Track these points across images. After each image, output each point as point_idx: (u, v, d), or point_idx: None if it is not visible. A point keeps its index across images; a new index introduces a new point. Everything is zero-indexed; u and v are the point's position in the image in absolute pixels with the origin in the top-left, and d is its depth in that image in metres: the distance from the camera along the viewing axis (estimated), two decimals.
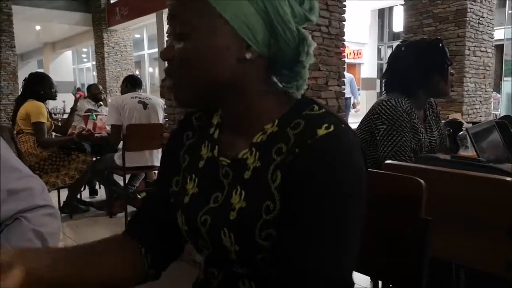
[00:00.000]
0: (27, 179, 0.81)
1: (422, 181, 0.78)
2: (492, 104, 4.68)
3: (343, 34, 2.74)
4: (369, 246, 0.84)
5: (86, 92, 4.69)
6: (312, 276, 0.52)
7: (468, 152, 1.43)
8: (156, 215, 0.71)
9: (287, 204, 0.55)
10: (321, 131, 0.54)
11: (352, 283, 0.59)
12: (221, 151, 0.65)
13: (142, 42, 11.82)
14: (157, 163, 3.36)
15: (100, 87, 4.65)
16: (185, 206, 0.66)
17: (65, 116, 4.93)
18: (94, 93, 4.43)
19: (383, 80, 1.65)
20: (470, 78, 4.29)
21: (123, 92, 3.52)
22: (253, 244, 0.57)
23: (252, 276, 0.61)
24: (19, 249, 0.61)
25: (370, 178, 0.88)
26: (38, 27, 11.83)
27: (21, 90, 3.36)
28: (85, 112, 4.04)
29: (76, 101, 3.91)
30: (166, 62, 0.61)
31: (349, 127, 0.58)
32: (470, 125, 1.61)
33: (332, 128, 0.54)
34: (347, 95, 6.15)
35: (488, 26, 4.48)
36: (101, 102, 4.48)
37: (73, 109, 3.76)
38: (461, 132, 1.50)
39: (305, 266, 0.52)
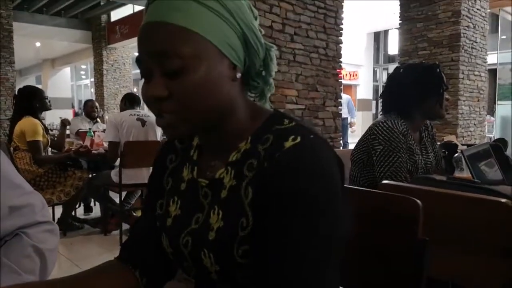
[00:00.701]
0: (28, 195, 0.81)
1: (419, 201, 0.78)
2: (486, 127, 4.73)
3: (340, 56, 2.79)
4: (366, 266, 0.85)
5: (83, 108, 4.64)
6: None
7: (463, 174, 1.45)
8: (147, 238, 0.71)
9: (259, 219, 0.56)
10: (288, 143, 0.55)
11: None
12: (200, 172, 0.65)
13: None
14: None
15: (96, 104, 4.58)
16: (168, 228, 0.66)
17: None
18: (88, 111, 4.36)
19: (381, 101, 1.68)
20: (464, 101, 4.36)
21: (121, 110, 3.54)
22: (232, 263, 0.57)
23: None
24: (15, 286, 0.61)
25: (367, 198, 0.90)
26: (38, 44, 11.93)
27: (14, 106, 3.29)
28: (76, 131, 4.02)
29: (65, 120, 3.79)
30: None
31: (319, 138, 0.57)
32: (465, 147, 1.64)
33: (298, 139, 0.55)
34: (344, 116, 6.20)
35: (481, 51, 4.58)
36: (97, 119, 4.47)
37: (65, 124, 3.67)
38: (456, 154, 1.52)
39: (275, 281, 0.52)
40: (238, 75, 0.58)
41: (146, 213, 0.74)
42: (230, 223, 0.58)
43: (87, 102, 4.64)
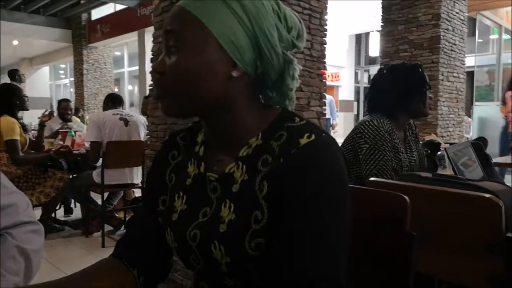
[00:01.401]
0: (12, 195, 0.79)
1: (406, 197, 0.80)
2: (464, 127, 4.86)
3: (324, 56, 2.81)
4: (354, 262, 0.85)
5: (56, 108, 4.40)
6: (300, 285, 0.52)
7: (446, 171, 1.49)
8: (145, 236, 0.71)
9: (274, 212, 0.57)
10: (303, 140, 0.57)
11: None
12: (207, 167, 0.65)
13: (122, 60, 11.76)
14: (136, 181, 3.31)
15: (71, 105, 4.37)
16: (173, 223, 0.66)
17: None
18: (61, 113, 4.20)
19: (364, 102, 1.70)
20: (444, 102, 4.46)
21: (104, 110, 3.48)
22: (243, 254, 0.58)
23: None
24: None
25: (355, 195, 0.91)
26: (15, 42, 11.62)
27: None
28: (50, 134, 3.90)
29: (43, 116, 3.69)
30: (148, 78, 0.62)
31: (330, 136, 0.60)
32: (448, 145, 1.68)
33: (313, 136, 0.57)
34: (327, 116, 6.26)
35: (460, 53, 4.69)
36: (71, 120, 4.30)
37: (42, 124, 3.57)
38: (440, 152, 1.55)
39: (291, 275, 0.53)
40: (235, 73, 0.58)
41: (144, 210, 0.74)
42: (243, 216, 0.59)
43: (61, 102, 4.38)
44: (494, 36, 10.28)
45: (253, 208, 0.58)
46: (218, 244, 0.59)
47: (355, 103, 14.06)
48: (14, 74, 5.79)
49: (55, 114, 4.25)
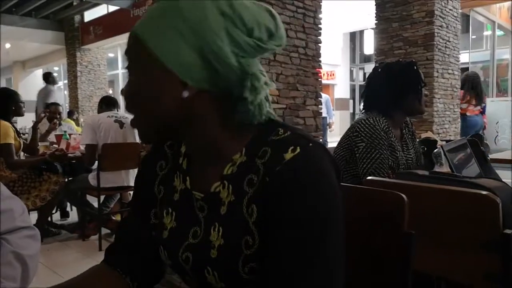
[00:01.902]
0: (7, 200, 0.79)
1: (403, 195, 0.79)
2: (460, 124, 4.88)
3: (319, 55, 2.82)
4: (352, 261, 0.85)
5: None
6: None
7: (443, 168, 1.49)
8: (135, 242, 0.69)
9: (265, 236, 0.54)
10: (288, 155, 0.53)
11: None
12: (193, 184, 0.63)
13: (116, 61, 11.72)
14: (133, 183, 3.28)
15: (60, 109, 4.26)
16: (165, 241, 0.65)
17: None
18: (50, 117, 4.06)
19: (362, 100, 1.70)
20: (439, 99, 4.48)
21: (99, 113, 3.46)
22: (238, 279, 0.56)
23: None
24: None
25: (352, 194, 0.90)
26: (8, 45, 11.54)
27: None
28: (42, 134, 3.86)
29: (39, 117, 3.67)
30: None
31: (318, 144, 0.56)
32: (444, 142, 1.68)
33: (298, 150, 0.53)
34: (323, 115, 6.26)
35: (454, 49, 4.71)
36: (60, 124, 4.21)
37: (35, 127, 3.52)
38: (436, 150, 1.56)
39: None
40: (186, 93, 0.55)
41: (133, 215, 0.72)
42: (232, 241, 0.57)
43: (50, 105, 4.29)
44: (487, 32, 10.35)
45: (243, 233, 0.56)
46: (211, 269, 0.58)
47: (351, 101, 14.09)
48: (48, 76, 5.94)
49: (45, 119, 4.15)
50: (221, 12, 0.54)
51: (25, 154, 3.44)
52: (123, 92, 0.60)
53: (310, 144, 0.55)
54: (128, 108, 0.60)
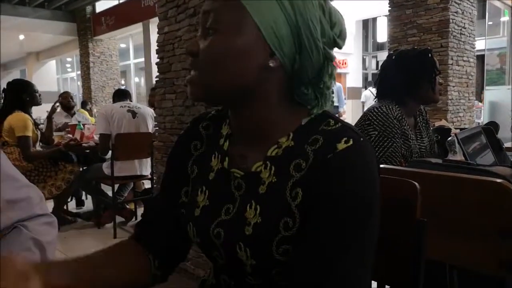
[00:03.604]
0: (25, 188, 0.81)
1: (416, 183, 0.79)
2: (474, 112, 4.79)
3: None
4: None
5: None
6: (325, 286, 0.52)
7: (457, 157, 1.47)
8: (162, 221, 0.70)
9: (308, 220, 0.55)
10: (341, 145, 0.55)
11: None
12: (232, 163, 0.64)
13: (128, 52, 11.76)
14: (146, 172, 3.33)
15: (71, 94, 4.50)
16: (196, 218, 0.65)
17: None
18: (63, 103, 4.28)
19: (375, 88, 1.68)
20: (454, 86, 4.40)
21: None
22: (270, 259, 0.57)
23: (265, 287, 0.61)
24: (33, 262, 0.60)
25: None
26: (22, 37, 11.66)
27: (3, 100, 3.22)
28: (60, 126, 3.94)
29: (53, 108, 3.76)
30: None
31: (367, 140, 0.58)
32: (458, 131, 1.66)
33: (351, 142, 0.55)
34: (335, 104, 6.22)
35: (469, 36, 4.61)
36: (74, 110, 4.37)
37: (50, 117, 3.61)
38: (450, 138, 1.54)
39: (328, 281, 0.52)
40: (272, 63, 0.56)
41: (163, 193, 0.73)
42: (270, 221, 0.58)
43: (61, 94, 4.53)
44: (504, 18, 10.06)
45: (282, 214, 0.57)
46: (244, 246, 0.58)
47: (363, 89, 13.94)
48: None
49: (58, 108, 4.24)
50: (318, 0, 0.58)
51: (41, 144, 3.51)
52: (191, 47, 0.58)
53: (361, 139, 0.57)
54: (196, 66, 0.58)
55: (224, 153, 0.65)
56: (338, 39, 0.60)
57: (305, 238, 0.55)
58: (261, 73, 0.57)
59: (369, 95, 8.39)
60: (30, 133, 3.05)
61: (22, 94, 3.11)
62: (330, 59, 0.59)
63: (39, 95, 3.24)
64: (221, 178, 0.65)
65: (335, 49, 0.63)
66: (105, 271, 0.62)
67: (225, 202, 0.63)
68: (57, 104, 3.94)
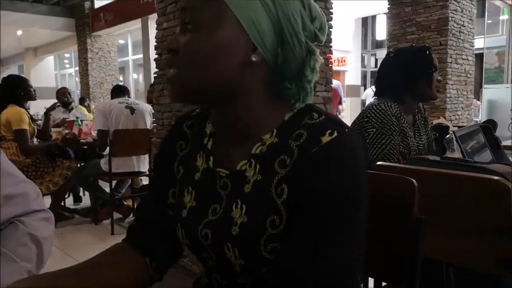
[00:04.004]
0: (22, 184, 0.81)
1: (414, 180, 0.79)
2: (473, 111, 4.80)
3: (330, 41, 2.77)
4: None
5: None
6: (320, 285, 0.52)
7: (455, 155, 1.47)
8: (154, 224, 0.70)
9: (294, 216, 0.55)
10: (325, 138, 0.54)
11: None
12: (217, 162, 0.63)
13: (126, 48, 11.71)
14: (143, 169, 3.33)
15: (69, 90, 4.46)
16: (183, 220, 0.65)
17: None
18: (60, 99, 4.24)
19: (374, 86, 1.69)
20: (452, 85, 4.40)
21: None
22: (258, 258, 0.57)
23: (256, 285, 0.61)
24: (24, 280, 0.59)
25: None
26: (19, 32, 11.61)
27: None
28: (58, 122, 3.94)
29: (53, 105, 3.75)
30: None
31: (353, 130, 0.57)
32: (456, 128, 1.65)
33: (335, 134, 0.54)
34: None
35: (468, 35, 4.61)
36: (72, 106, 4.36)
37: (48, 113, 3.60)
38: (448, 135, 1.54)
39: (314, 276, 0.52)
40: (255, 58, 0.55)
41: (152, 195, 0.72)
42: (256, 219, 0.57)
43: (59, 90, 4.49)
44: (504, 17, 10.07)
45: (268, 212, 0.56)
46: (232, 246, 0.58)
47: (362, 87, 13.92)
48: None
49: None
50: None
51: (38, 140, 3.50)
52: (171, 43, 0.56)
53: (346, 130, 0.55)
54: (176, 64, 0.57)
55: (208, 152, 0.64)
56: (318, 33, 0.59)
57: (291, 235, 0.54)
58: (244, 68, 0.56)
59: (371, 94, 8.39)
60: (26, 126, 3.06)
61: (17, 89, 3.11)
62: (312, 52, 0.58)
63: (34, 90, 3.24)
64: (207, 178, 0.64)
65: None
66: (100, 275, 0.62)
67: (211, 202, 0.62)
68: (58, 104, 3.96)
